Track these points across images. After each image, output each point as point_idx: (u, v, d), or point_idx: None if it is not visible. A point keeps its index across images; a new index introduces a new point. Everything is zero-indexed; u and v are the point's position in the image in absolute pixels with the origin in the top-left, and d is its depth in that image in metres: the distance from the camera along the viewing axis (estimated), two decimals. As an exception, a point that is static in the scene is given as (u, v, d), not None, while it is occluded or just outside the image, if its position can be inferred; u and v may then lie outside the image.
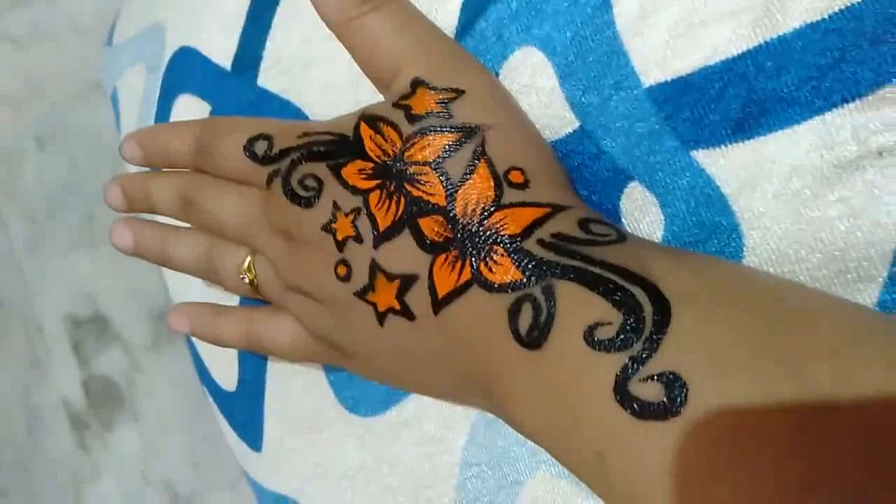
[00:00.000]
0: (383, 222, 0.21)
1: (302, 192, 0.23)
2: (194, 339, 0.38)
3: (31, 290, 0.78)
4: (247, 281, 0.27)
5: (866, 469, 0.14)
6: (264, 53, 0.30)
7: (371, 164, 0.22)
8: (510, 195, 0.20)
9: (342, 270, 0.22)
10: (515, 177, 0.20)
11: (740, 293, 0.17)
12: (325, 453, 0.30)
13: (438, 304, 0.20)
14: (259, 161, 0.24)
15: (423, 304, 0.21)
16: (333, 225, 0.22)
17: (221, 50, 0.32)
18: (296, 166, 0.23)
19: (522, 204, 0.20)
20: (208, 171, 0.27)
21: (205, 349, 0.37)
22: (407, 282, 0.21)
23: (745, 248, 0.19)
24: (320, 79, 0.28)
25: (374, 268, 0.22)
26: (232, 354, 0.34)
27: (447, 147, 0.21)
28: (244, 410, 0.34)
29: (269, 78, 0.30)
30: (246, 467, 0.36)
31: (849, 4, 0.18)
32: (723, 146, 0.19)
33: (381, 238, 0.21)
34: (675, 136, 0.20)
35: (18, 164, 0.77)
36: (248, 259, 0.27)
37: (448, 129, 0.21)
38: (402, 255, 0.21)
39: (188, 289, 0.37)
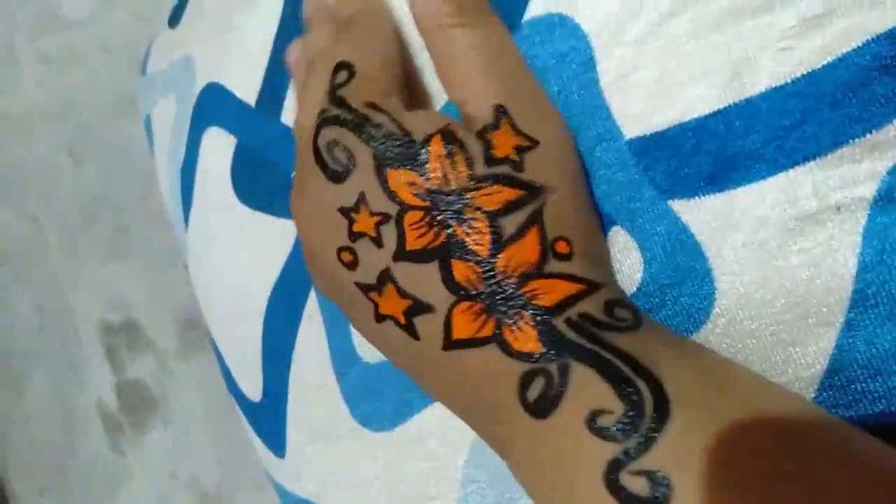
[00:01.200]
0: (412, 244, 0.21)
1: (330, 162, 0.22)
2: (222, 351, 0.40)
3: (68, 297, 0.80)
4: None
5: None
6: (286, 93, 0.32)
7: (426, 184, 0.21)
8: (552, 265, 0.20)
9: (347, 257, 0.22)
10: (561, 247, 0.20)
11: (728, 397, 0.18)
12: (342, 463, 0.32)
13: (451, 344, 0.20)
14: (329, 86, 0.23)
15: (434, 335, 0.21)
16: (353, 215, 0.21)
17: (246, 87, 0.34)
18: (335, 128, 0.22)
19: (561, 275, 0.20)
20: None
21: (231, 360, 0.39)
22: (420, 308, 0.21)
23: (716, 292, 0.21)
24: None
25: (387, 276, 0.21)
26: (257, 365, 0.36)
27: (509, 203, 0.20)
28: (268, 419, 0.36)
29: (291, 116, 0.32)
30: (271, 472, 0.39)
31: (810, 70, 0.19)
32: (697, 197, 0.21)
33: (405, 256, 0.21)
34: (653, 186, 0.22)
35: (54, 178, 0.80)
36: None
37: (517, 184, 0.21)
38: (423, 282, 0.21)
39: (216, 298, 0.39)
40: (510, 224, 0.20)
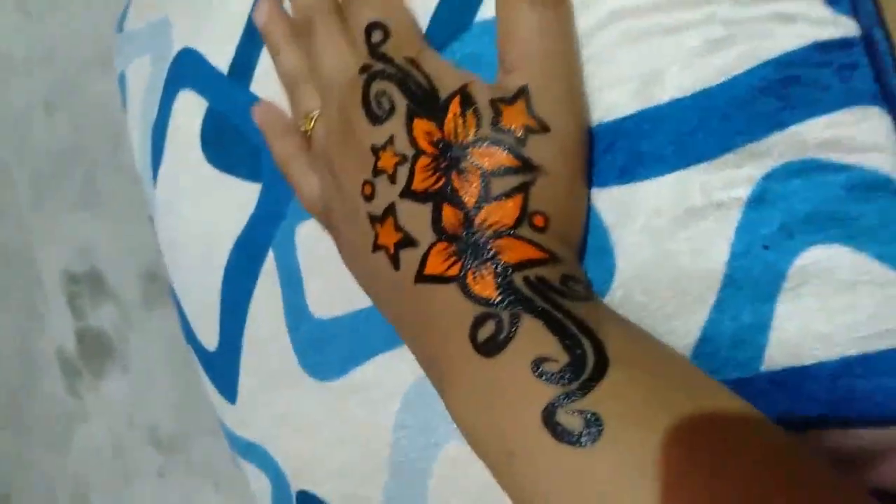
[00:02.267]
0: (418, 184, 0.24)
1: (374, 107, 0.25)
2: (182, 302, 0.42)
3: (33, 244, 0.81)
4: (303, 129, 0.30)
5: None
6: (257, 64, 0.34)
7: (440, 135, 0.24)
8: (525, 231, 0.23)
9: (367, 189, 0.25)
10: (538, 220, 0.23)
11: (654, 363, 0.21)
12: (289, 408, 0.35)
13: (420, 278, 0.23)
14: (367, 43, 0.26)
15: (410, 268, 0.24)
16: (381, 153, 0.25)
17: (220, 55, 0.36)
18: (380, 80, 0.25)
19: (529, 241, 0.23)
20: (345, 9, 0.29)
21: (191, 311, 0.41)
22: (407, 241, 0.24)
23: (616, 268, 0.24)
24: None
25: (391, 210, 0.24)
26: (214, 317, 0.38)
27: (504, 167, 0.23)
28: (223, 367, 0.39)
29: (260, 87, 0.34)
30: (222, 417, 0.41)
31: (707, 86, 0.23)
32: (607, 187, 0.24)
33: (409, 194, 0.24)
34: (575, 175, 0.25)
35: (27, 127, 0.80)
36: (315, 113, 0.29)
37: (515, 154, 0.23)
38: (416, 218, 0.24)
39: (180, 251, 0.41)
40: (498, 185, 0.23)
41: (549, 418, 0.20)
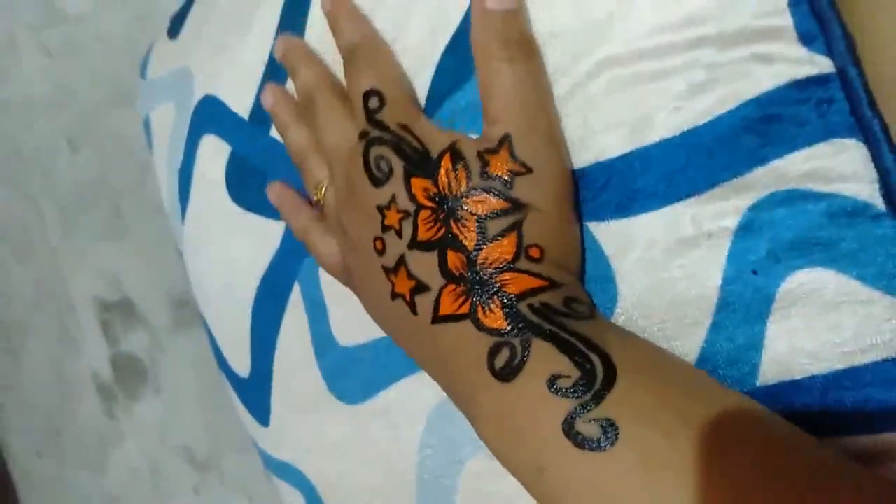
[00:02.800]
0: (422, 235, 0.26)
1: (375, 171, 0.27)
2: (213, 332, 0.44)
3: (65, 274, 0.83)
4: (316, 199, 0.32)
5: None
6: (275, 111, 0.36)
7: (435, 190, 0.26)
8: (523, 264, 0.25)
9: (379, 245, 0.27)
10: (534, 252, 0.25)
11: (658, 369, 0.23)
12: (319, 431, 0.37)
13: (437, 319, 0.26)
14: (365, 110, 0.29)
15: (426, 311, 0.26)
16: (386, 212, 0.27)
17: (240, 102, 0.38)
18: (378, 145, 0.28)
19: (528, 272, 0.25)
20: (345, 76, 0.31)
21: (222, 341, 0.43)
22: (420, 287, 0.26)
23: (619, 296, 0.26)
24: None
25: (402, 261, 0.26)
26: (245, 347, 0.40)
27: (496, 211, 0.25)
28: (255, 393, 0.41)
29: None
30: (255, 439, 0.43)
31: (693, 126, 0.24)
32: (606, 221, 0.26)
33: (416, 245, 0.26)
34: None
35: (52, 163, 0.82)
36: (326, 183, 0.31)
37: (504, 197, 0.25)
38: (425, 266, 0.26)
39: (209, 286, 0.43)
40: (494, 227, 0.25)
41: (569, 429, 0.22)
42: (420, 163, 0.27)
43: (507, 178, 0.25)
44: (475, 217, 0.25)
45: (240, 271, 0.39)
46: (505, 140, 0.25)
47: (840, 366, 0.23)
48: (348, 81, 0.31)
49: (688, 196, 0.24)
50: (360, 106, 0.29)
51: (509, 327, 0.24)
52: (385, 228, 0.27)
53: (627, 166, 0.25)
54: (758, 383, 0.24)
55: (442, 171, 0.26)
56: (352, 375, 0.34)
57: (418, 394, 0.32)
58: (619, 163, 0.26)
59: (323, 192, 0.32)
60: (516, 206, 0.25)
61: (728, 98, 0.24)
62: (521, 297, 0.24)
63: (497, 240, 0.25)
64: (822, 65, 0.23)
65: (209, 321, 0.44)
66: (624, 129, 0.25)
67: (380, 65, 0.30)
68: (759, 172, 0.24)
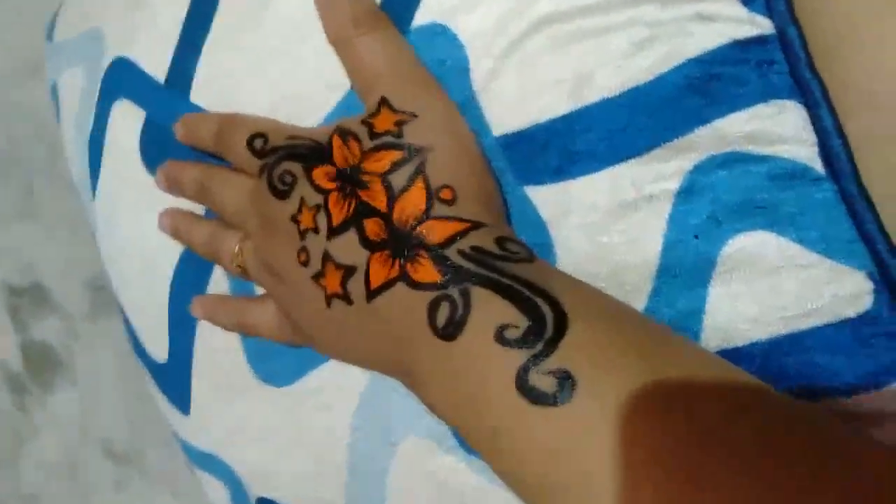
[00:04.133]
0: (336, 218, 0.25)
1: (279, 186, 0.27)
2: (129, 316, 0.42)
3: None
4: (236, 265, 0.31)
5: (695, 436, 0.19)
6: (195, 73, 0.34)
7: (335, 169, 0.26)
8: (439, 209, 0.24)
9: (302, 257, 0.26)
10: (445, 194, 0.24)
11: (612, 313, 0.22)
12: (244, 416, 0.35)
13: (371, 294, 0.24)
14: (256, 154, 0.29)
15: (360, 292, 0.24)
16: (299, 217, 0.26)
17: (155, 64, 0.36)
18: (278, 163, 0.28)
19: (447, 217, 0.24)
20: (225, 158, 0.31)
21: (138, 325, 0.41)
22: (349, 271, 0.25)
23: (556, 263, 0.25)
24: (248, 103, 0.32)
25: (326, 257, 0.25)
26: (163, 330, 0.38)
27: (394, 163, 0.25)
28: (174, 379, 0.38)
29: (200, 96, 0.34)
30: (176, 429, 0.41)
31: (635, 85, 0.24)
32: (544, 185, 0.25)
33: (333, 232, 0.25)
34: (514, 175, 0.26)
35: None
36: (238, 246, 0.31)
37: (397, 147, 0.25)
38: (348, 248, 0.25)
39: (124, 265, 0.40)
40: (398, 179, 0.24)
41: (522, 385, 0.20)
42: (315, 156, 0.27)
43: (394, 130, 0.25)
44: (378, 176, 0.25)
45: (157, 248, 0.37)
46: (382, 101, 0.26)
47: (782, 331, 0.22)
48: (229, 154, 0.31)
49: (629, 157, 0.24)
50: (248, 157, 0.29)
51: (443, 278, 0.23)
52: (303, 234, 0.26)
53: (567, 127, 0.24)
54: (699, 351, 0.23)
55: (335, 149, 0.26)
56: (279, 356, 0.33)
57: (349, 374, 0.30)
58: (558, 124, 0.24)
59: (240, 254, 0.31)
60: (412, 151, 0.25)
61: (670, 56, 0.23)
62: (448, 243, 0.23)
63: (406, 191, 0.24)
64: (762, 25, 0.23)
65: (124, 304, 0.42)
66: (563, 88, 0.24)
67: (247, 121, 0.30)
68: (701, 133, 0.23)
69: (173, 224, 0.35)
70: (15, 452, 0.82)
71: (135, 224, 0.38)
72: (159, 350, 0.39)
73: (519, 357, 0.20)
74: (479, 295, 0.22)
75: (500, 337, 0.21)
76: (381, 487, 0.30)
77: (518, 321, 0.21)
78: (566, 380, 0.20)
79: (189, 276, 0.36)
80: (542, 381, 0.20)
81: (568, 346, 0.20)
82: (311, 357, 0.31)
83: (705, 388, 0.20)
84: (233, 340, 0.34)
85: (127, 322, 0.42)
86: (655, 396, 0.19)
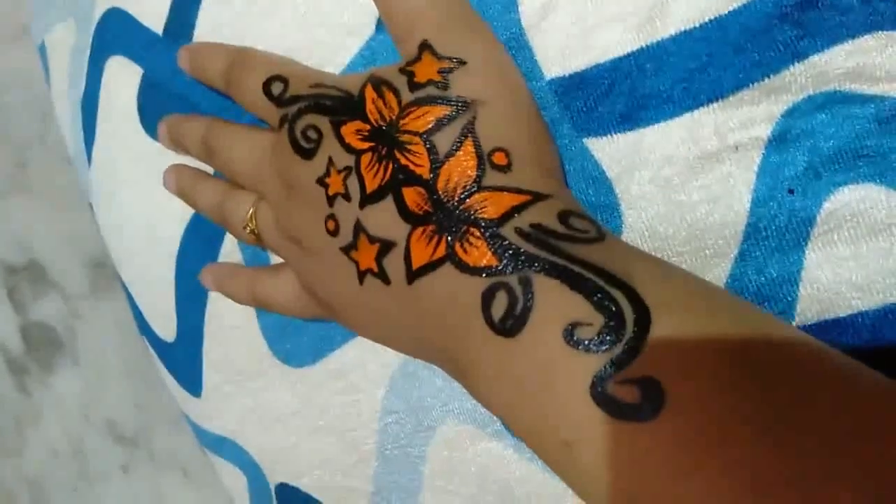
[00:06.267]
0: (370, 185, 0.22)
1: (304, 143, 0.24)
2: (132, 293, 0.39)
3: None
4: (249, 231, 0.28)
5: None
6: (196, 23, 0.31)
7: (368, 126, 0.22)
8: (491, 177, 0.20)
9: (331, 225, 0.23)
10: (499, 158, 0.21)
11: (701, 303, 0.18)
12: (261, 399, 0.32)
13: (412, 275, 0.21)
14: (274, 101, 0.25)
15: (399, 272, 0.21)
16: (327, 179, 0.23)
17: (153, 15, 0.32)
18: (301, 115, 0.24)
19: (503, 188, 0.20)
20: (236, 101, 0.28)
21: (143, 301, 0.38)
22: (385, 247, 0.21)
23: (623, 226, 0.22)
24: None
25: (359, 228, 0.22)
26: (170, 307, 0.36)
27: (439, 120, 0.21)
28: (183, 359, 0.36)
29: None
30: (186, 411, 0.39)
31: (717, 16, 0.20)
32: (609, 135, 0.22)
33: (367, 200, 0.22)
34: (571, 125, 0.22)
35: None
36: (252, 209, 0.28)
37: (443, 101, 0.21)
38: (384, 220, 0.21)
39: (125, 238, 0.38)
40: (444, 140, 0.21)
41: (598, 395, 0.17)
42: (345, 108, 0.23)
43: (439, 80, 0.22)
44: (419, 136, 0.21)
45: (161, 217, 0.34)
46: (424, 46, 0.22)
47: (893, 300, 0.19)
48: (240, 97, 0.27)
49: (710, 101, 0.21)
50: (264, 104, 0.26)
51: (500, 263, 0.19)
52: (331, 200, 0.23)
53: (635, 67, 0.21)
54: (794, 323, 0.20)
55: (368, 102, 0.23)
56: (299, 334, 0.30)
57: (379, 353, 0.28)
58: (624, 63, 0.21)
59: (253, 219, 0.28)
60: (459, 106, 0.21)
61: (758, -20, 0.20)
62: (504, 219, 0.19)
63: (453, 154, 0.21)
64: (866, -60, 0.20)
65: (127, 280, 0.39)
66: (631, 21, 0.21)
67: (263, 60, 0.27)
68: (796, 70, 0.20)
69: (179, 183, 0.32)
70: (18, 437, 0.81)
71: (135, 192, 0.35)
72: (167, 328, 0.36)
73: (594, 362, 0.17)
74: (543, 284, 0.18)
75: (570, 337, 0.18)
76: (416, 475, 0.28)
77: (591, 318, 0.18)
78: (653, 390, 0.16)
79: (197, 248, 0.33)
80: (624, 391, 0.17)
81: (652, 350, 0.17)
82: (335, 334, 0.29)
83: (819, 405, 0.16)
84: (248, 317, 0.32)
85: (131, 299, 0.40)
86: (756, 414, 0.16)
